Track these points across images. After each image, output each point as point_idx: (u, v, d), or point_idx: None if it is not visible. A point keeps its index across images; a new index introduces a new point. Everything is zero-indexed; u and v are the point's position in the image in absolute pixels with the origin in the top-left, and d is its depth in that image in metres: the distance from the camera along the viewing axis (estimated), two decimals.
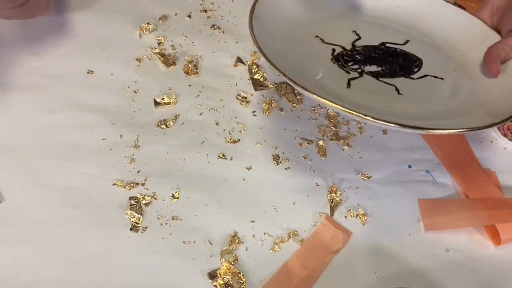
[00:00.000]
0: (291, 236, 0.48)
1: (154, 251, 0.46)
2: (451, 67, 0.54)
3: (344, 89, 0.48)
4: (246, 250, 0.47)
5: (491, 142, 0.56)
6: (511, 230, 0.48)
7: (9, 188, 0.48)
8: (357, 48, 0.54)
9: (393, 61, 0.53)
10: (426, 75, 0.52)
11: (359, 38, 0.56)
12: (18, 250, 0.45)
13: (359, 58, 0.53)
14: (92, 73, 0.57)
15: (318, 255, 0.46)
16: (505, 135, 0.56)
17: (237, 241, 0.47)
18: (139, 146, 0.52)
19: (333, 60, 0.52)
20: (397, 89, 0.49)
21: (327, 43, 0.54)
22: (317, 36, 0.54)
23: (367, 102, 0.47)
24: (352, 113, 0.40)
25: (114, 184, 0.50)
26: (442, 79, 0.51)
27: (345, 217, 0.50)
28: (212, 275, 0.45)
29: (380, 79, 0.51)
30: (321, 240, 0.47)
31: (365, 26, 0.57)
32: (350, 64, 0.52)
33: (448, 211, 0.50)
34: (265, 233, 0.48)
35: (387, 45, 0.56)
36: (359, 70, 0.51)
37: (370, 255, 0.48)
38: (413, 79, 0.51)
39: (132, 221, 0.47)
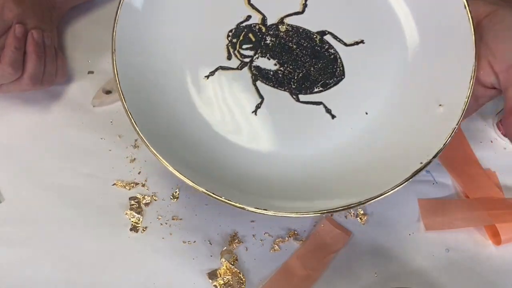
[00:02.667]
0: (291, 236, 0.48)
1: (154, 251, 0.46)
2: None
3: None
4: (246, 250, 0.47)
5: (491, 142, 0.56)
6: (511, 230, 0.48)
7: (9, 188, 0.48)
8: (280, 28, 0.42)
9: (307, 63, 0.42)
10: (319, 102, 0.42)
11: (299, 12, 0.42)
12: (18, 250, 0.45)
13: (268, 41, 0.41)
14: (92, 74, 0.57)
15: (318, 255, 0.46)
16: (505, 135, 0.56)
17: (237, 241, 0.47)
18: (138, 146, 0.52)
19: (231, 34, 0.41)
20: (258, 105, 0.41)
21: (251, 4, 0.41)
22: None
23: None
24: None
25: (114, 184, 0.50)
26: (333, 117, 0.42)
27: (345, 217, 0.50)
28: (212, 275, 0.45)
29: (257, 83, 0.42)
30: (321, 240, 0.47)
31: None
32: (244, 46, 0.41)
33: (448, 211, 0.50)
34: (265, 233, 0.48)
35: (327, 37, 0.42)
36: (246, 59, 0.41)
37: (370, 255, 0.48)
38: (299, 101, 0.42)
39: (132, 221, 0.47)
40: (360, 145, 0.41)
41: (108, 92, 0.55)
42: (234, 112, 0.42)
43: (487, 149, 0.55)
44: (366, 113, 0.42)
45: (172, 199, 0.49)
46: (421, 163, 0.37)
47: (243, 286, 0.45)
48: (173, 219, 0.48)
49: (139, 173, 0.51)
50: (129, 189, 0.49)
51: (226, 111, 0.42)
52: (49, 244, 0.46)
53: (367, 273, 0.47)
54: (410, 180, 0.37)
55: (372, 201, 0.37)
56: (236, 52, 0.41)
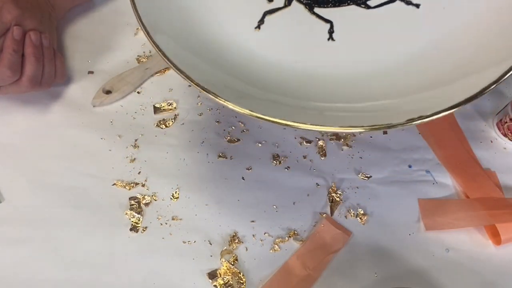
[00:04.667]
0: (291, 236, 0.48)
1: (154, 251, 0.46)
2: None
3: (249, 32, 0.37)
4: (246, 250, 0.47)
5: (491, 142, 0.56)
6: (511, 230, 0.48)
7: (9, 188, 0.48)
8: None
9: None
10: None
11: None
12: (18, 250, 0.45)
13: None
14: (92, 74, 0.57)
15: (318, 255, 0.47)
16: (505, 135, 0.56)
17: (237, 241, 0.47)
18: (138, 146, 0.52)
19: None
20: (331, 30, 0.37)
21: None
22: None
23: (271, 60, 0.36)
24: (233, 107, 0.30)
25: (114, 184, 0.50)
26: (417, 6, 0.37)
27: (345, 217, 0.50)
28: (212, 275, 0.45)
29: (316, 10, 0.38)
30: (321, 240, 0.47)
31: None
32: None
33: (448, 211, 0.50)
34: (265, 233, 0.48)
35: None
36: None
37: (370, 255, 0.48)
38: (370, 7, 0.37)
39: (132, 221, 0.47)
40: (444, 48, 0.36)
41: (108, 92, 0.55)
42: (306, 46, 0.38)
43: (487, 149, 0.55)
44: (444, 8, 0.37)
45: (172, 199, 0.49)
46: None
47: (243, 286, 0.45)
48: (173, 219, 0.48)
49: (139, 173, 0.51)
50: (129, 189, 0.49)
51: (295, 51, 0.39)
52: (49, 244, 0.46)
53: (367, 273, 0.47)
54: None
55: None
56: None
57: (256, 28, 0.39)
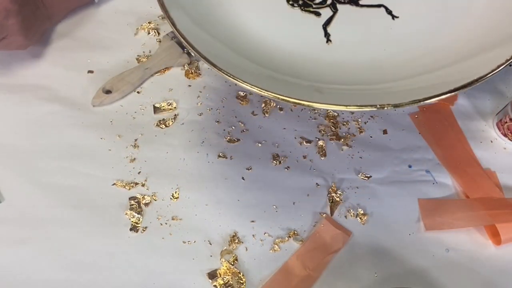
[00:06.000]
0: (291, 236, 0.48)
1: (154, 251, 0.46)
2: None
3: (325, 50, 0.40)
4: (246, 250, 0.47)
5: (491, 142, 0.56)
6: (511, 230, 0.48)
7: (9, 188, 0.48)
8: None
9: None
10: None
11: None
12: (18, 250, 0.45)
13: None
14: (92, 73, 0.57)
15: (318, 255, 0.46)
16: (505, 135, 0.56)
17: (237, 241, 0.47)
18: (138, 146, 0.52)
19: (291, 2, 0.42)
20: (388, 10, 0.41)
21: None
22: None
23: (359, 55, 0.39)
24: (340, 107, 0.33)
25: (114, 184, 0.50)
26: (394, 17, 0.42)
27: (345, 217, 0.50)
28: (212, 275, 0.45)
29: (361, 2, 0.42)
30: (321, 240, 0.47)
31: None
32: None
33: (448, 211, 0.50)
34: (265, 233, 0.48)
35: None
36: (328, 2, 0.42)
37: (370, 255, 0.48)
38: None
39: (132, 221, 0.47)
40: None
41: (108, 92, 0.55)
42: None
43: (487, 149, 0.55)
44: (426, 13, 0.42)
45: (172, 199, 0.49)
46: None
47: (243, 286, 0.45)
48: (173, 219, 0.48)
49: (139, 173, 0.51)
50: (129, 189, 0.49)
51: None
52: (49, 244, 0.46)
53: (367, 273, 0.47)
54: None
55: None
56: (314, 7, 0.43)
57: (327, 42, 0.42)
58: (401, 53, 0.41)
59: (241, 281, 0.45)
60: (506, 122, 0.54)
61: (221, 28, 0.42)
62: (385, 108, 0.33)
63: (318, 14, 0.43)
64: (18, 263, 0.44)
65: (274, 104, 0.57)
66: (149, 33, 0.61)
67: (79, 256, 0.45)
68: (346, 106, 0.33)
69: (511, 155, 0.55)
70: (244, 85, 0.34)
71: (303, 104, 0.33)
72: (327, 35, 0.42)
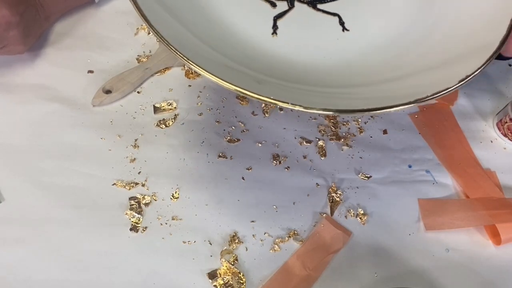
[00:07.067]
0: (291, 236, 0.48)
1: (154, 251, 0.46)
2: None
3: (268, 40, 0.40)
4: (246, 250, 0.47)
5: (491, 142, 0.56)
6: (511, 230, 0.48)
7: (9, 188, 0.48)
8: None
9: None
10: None
11: None
12: (18, 250, 0.45)
13: None
14: (92, 73, 0.57)
15: (318, 255, 0.46)
16: (505, 135, 0.56)
17: (237, 241, 0.47)
18: (138, 146, 0.52)
19: None
20: (341, 21, 0.42)
21: None
22: None
23: (300, 58, 0.39)
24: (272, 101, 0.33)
25: (114, 184, 0.50)
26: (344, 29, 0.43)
27: (345, 217, 0.50)
28: (212, 275, 0.45)
29: (319, 6, 0.42)
30: (321, 240, 0.47)
31: None
32: None
33: (448, 211, 0.50)
34: (265, 233, 0.48)
35: None
36: None
37: (370, 255, 0.48)
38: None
39: (132, 221, 0.47)
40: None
41: (108, 92, 0.55)
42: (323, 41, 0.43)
43: (487, 149, 0.55)
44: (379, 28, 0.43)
45: (172, 199, 0.49)
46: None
47: (243, 286, 0.45)
48: (173, 219, 0.48)
49: (139, 173, 0.51)
50: (129, 189, 0.49)
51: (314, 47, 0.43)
52: (49, 244, 0.46)
53: (367, 273, 0.47)
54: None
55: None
56: None
57: (273, 34, 0.43)
58: (341, 65, 0.41)
59: (241, 281, 0.45)
60: (506, 122, 0.54)
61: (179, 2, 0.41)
62: (312, 111, 0.33)
63: (273, 5, 0.43)
64: (18, 263, 0.44)
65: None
66: (149, 33, 0.61)
67: (79, 256, 0.45)
68: (280, 101, 0.33)
69: (511, 155, 0.56)
70: (186, 62, 0.33)
71: (241, 92, 0.33)
72: (275, 27, 0.42)
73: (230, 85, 0.33)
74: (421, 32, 0.42)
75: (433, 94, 0.34)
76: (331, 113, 0.33)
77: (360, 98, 0.37)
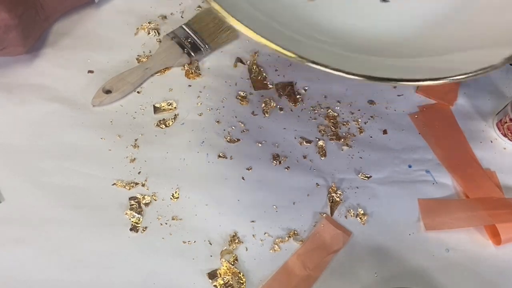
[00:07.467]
0: (291, 236, 0.48)
1: (154, 251, 0.46)
2: None
3: (306, 3, 0.41)
4: (246, 250, 0.47)
5: (491, 142, 0.56)
6: (511, 230, 0.48)
7: (9, 188, 0.48)
8: None
9: None
10: None
11: None
12: (18, 250, 0.45)
13: None
14: (92, 73, 0.57)
15: (318, 255, 0.47)
16: (505, 135, 0.56)
17: (237, 241, 0.47)
18: (138, 146, 0.52)
19: None
20: None
21: None
22: None
23: (376, 30, 0.40)
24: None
25: (114, 184, 0.50)
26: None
27: (345, 217, 0.50)
28: (212, 275, 0.45)
29: None
30: (321, 240, 0.47)
31: None
32: None
33: (448, 211, 0.50)
34: (265, 233, 0.48)
35: None
36: None
37: (370, 255, 0.48)
38: None
39: (132, 221, 0.47)
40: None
41: (108, 92, 0.55)
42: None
43: (487, 149, 0.55)
44: None
45: (172, 199, 0.49)
46: None
47: (243, 286, 0.45)
48: (173, 219, 0.48)
49: (139, 173, 0.51)
50: (129, 189, 0.49)
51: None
52: (49, 244, 0.46)
53: (367, 273, 0.47)
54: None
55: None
56: None
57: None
58: (411, 36, 0.41)
59: (241, 281, 0.45)
60: (506, 122, 0.54)
61: None
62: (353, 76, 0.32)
63: None
64: (18, 263, 0.44)
65: (274, 104, 0.57)
66: (149, 33, 0.61)
67: (79, 256, 0.45)
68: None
69: (511, 155, 0.56)
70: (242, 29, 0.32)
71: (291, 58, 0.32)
72: None
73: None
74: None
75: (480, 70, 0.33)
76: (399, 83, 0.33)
77: (422, 68, 0.36)
